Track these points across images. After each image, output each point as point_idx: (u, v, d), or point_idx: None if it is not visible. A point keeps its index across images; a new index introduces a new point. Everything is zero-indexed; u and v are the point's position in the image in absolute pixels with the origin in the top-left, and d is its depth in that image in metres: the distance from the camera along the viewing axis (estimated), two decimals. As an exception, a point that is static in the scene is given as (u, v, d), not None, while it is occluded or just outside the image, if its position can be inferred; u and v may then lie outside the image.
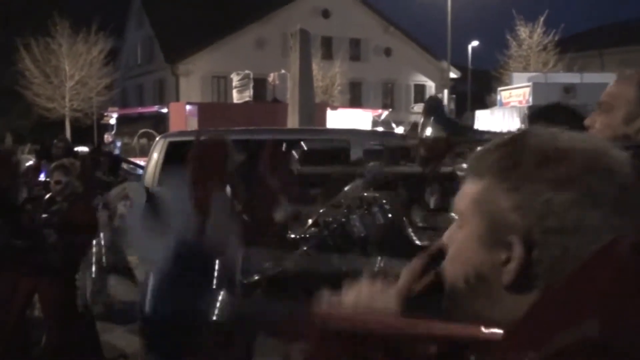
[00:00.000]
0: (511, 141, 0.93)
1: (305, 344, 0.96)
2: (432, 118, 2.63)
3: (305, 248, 4.23)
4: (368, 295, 1.03)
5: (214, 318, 0.84)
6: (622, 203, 0.86)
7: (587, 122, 1.99)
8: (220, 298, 0.84)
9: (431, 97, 7.79)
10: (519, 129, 0.94)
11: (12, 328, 5.00)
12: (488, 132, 3.09)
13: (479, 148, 1.00)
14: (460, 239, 0.96)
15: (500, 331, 0.83)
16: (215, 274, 0.87)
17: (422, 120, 2.66)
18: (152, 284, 0.85)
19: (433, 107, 2.75)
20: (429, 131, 2.58)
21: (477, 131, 3.40)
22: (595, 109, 2.01)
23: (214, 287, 0.86)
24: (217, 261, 0.88)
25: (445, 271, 0.98)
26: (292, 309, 0.92)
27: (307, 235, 4.37)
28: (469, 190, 0.95)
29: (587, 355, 0.71)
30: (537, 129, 0.95)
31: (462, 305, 0.95)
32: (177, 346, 0.86)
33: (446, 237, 1.01)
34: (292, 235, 4.36)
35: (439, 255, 1.01)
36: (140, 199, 8.06)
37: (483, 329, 0.86)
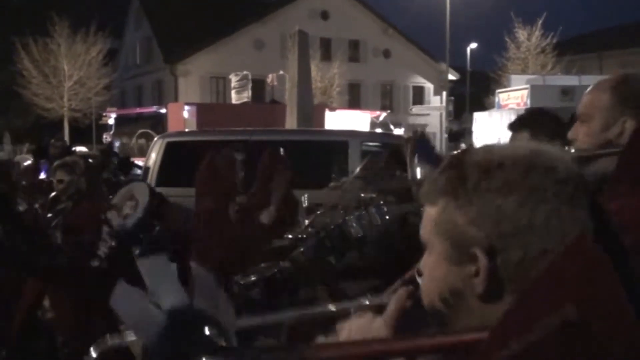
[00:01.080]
0: (453, 163, 1.00)
1: None
2: (417, 156, 2.67)
3: (302, 249, 4.24)
4: (359, 330, 1.09)
5: None
6: (568, 195, 0.92)
7: (570, 135, 2.02)
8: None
9: (415, 134, 7.79)
10: (459, 150, 1.01)
11: (19, 331, 4.99)
12: None
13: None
14: (430, 263, 1.03)
15: (485, 333, 0.86)
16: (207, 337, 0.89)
17: (408, 157, 2.70)
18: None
19: (418, 145, 2.79)
20: (418, 172, 2.62)
21: None
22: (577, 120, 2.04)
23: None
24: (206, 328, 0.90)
25: (422, 295, 1.04)
26: (283, 352, 0.94)
27: (304, 236, 4.38)
28: (428, 217, 1.02)
29: (568, 336, 0.75)
30: (472, 148, 1.04)
31: (445, 322, 1.01)
32: None
33: (421, 265, 1.07)
34: (289, 236, 4.38)
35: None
36: (144, 199, 8.05)
37: (470, 334, 0.89)
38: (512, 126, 2.83)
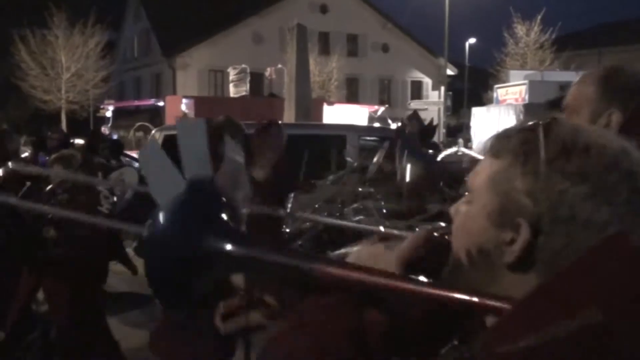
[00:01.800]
0: (536, 127, 0.93)
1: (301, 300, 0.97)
2: (406, 153, 2.65)
3: (300, 242, 4.25)
4: (368, 257, 1.04)
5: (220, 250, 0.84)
6: (637, 206, 0.88)
7: None
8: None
9: (399, 128, 7.78)
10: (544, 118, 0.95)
11: (15, 323, 4.99)
12: (459, 163, 3.13)
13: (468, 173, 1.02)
14: (468, 213, 0.98)
15: (500, 304, 0.84)
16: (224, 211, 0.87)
17: (397, 156, 2.68)
18: (162, 208, 0.85)
19: (405, 149, 2.77)
20: (407, 172, 2.60)
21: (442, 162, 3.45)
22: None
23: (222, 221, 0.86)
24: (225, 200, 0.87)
25: (452, 240, 0.99)
26: (294, 259, 0.92)
27: (302, 230, 4.38)
28: (486, 168, 0.96)
29: (587, 344, 0.73)
30: (563, 119, 0.95)
31: (461, 277, 0.96)
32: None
33: (453, 210, 1.02)
34: (287, 230, 4.38)
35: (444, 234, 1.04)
36: (133, 181, 8.07)
37: (487, 300, 0.87)
38: (552, 105, 2.79)
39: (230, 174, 0.92)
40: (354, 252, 1.08)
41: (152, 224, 0.86)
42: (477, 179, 0.97)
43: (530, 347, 0.75)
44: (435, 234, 1.06)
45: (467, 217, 0.97)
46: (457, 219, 1.00)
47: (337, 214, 4.24)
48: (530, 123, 0.95)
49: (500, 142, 0.96)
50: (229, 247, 0.84)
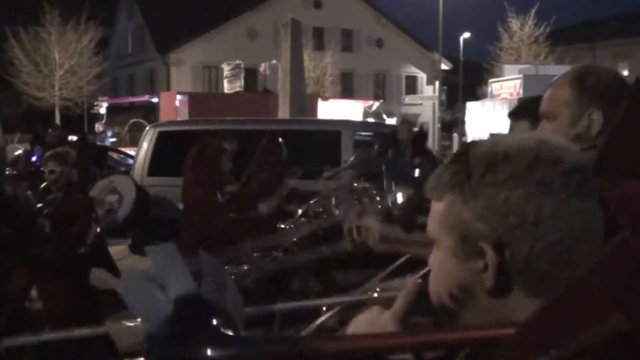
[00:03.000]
0: (458, 157, 0.99)
1: None
2: (394, 184, 2.65)
3: (294, 239, 4.24)
4: (365, 325, 1.07)
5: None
6: (575, 186, 0.91)
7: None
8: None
9: (408, 124, 7.73)
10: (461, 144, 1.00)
11: (7, 321, 4.97)
12: None
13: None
14: (438, 260, 1.02)
15: (506, 331, 0.84)
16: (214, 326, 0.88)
17: (385, 187, 2.68)
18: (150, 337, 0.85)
19: (392, 173, 2.77)
20: (399, 199, 2.60)
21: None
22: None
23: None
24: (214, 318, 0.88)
25: (430, 292, 1.03)
26: (292, 341, 0.92)
27: (297, 226, 4.37)
28: (434, 212, 1.01)
29: (618, 348, 0.72)
30: (477, 141, 1.03)
31: (453, 320, 1.00)
32: None
33: (430, 261, 1.06)
34: (282, 226, 4.37)
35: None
36: (130, 193, 8.05)
37: (490, 330, 0.88)
38: (513, 115, 2.80)
39: (214, 279, 0.92)
40: (351, 323, 1.11)
41: (149, 352, 0.86)
42: (432, 226, 1.02)
43: (557, 358, 0.74)
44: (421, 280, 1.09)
45: (439, 264, 1.01)
46: (433, 269, 1.04)
47: (332, 210, 4.23)
48: (451, 157, 1.02)
49: (436, 184, 1.01)
50: (225, 352, 0.85)
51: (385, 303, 1.10)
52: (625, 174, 1.21)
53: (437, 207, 1.00)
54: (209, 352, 0.83)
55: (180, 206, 6.22)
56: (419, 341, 0.91)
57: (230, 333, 0.86)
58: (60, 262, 4.81)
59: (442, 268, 1.00)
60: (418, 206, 2.40)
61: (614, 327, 0.71)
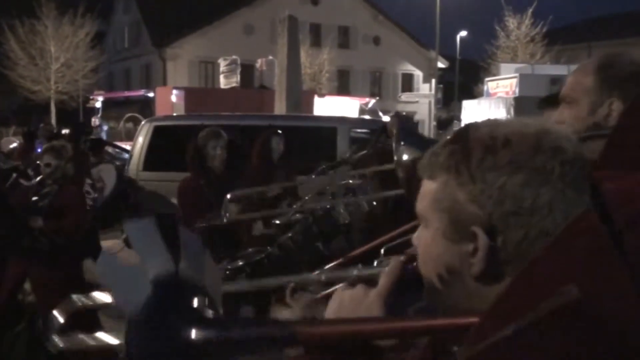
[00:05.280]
0: (456, 138, 0.96)
1: None
2: (404, 142, 2.63)
3: (290, 235, 4.23)
4: (349, 303, 1.06)
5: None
6: (572, 177, 0.90)
7: (556, 118, 1.97)
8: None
9: (398, 118, 7.73)
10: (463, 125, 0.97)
11: (1, 313, 4.96)
12: None
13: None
14: (426, 239, 0.99)
15: (477, 318, 0.83)
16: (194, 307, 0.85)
17: (394, 145, 2.65)
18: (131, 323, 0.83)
19: (403, 132, 2.75)
20: (405, 156, 2.57)
21: None
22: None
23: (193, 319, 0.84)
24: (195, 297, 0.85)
25: (420, 270, 1.01)
26: (273, 326, 0.91)
27: (292, 222, 4.37)
28: (426, 191, 0.99)
29: (567, 321, 0.72)
30: (477, 122, 0.99)
31: (440, 300, 0.98)
32: None
33: (415, 238, 1.04)
34: (277, 222, 4.37)
35: (414, 258, 1.05)
36: (111, 182, 8.09)
37: (462, 318, 0.86)
38: (544, 102, 2.73)
39: (193, 259, 0.90)
40: (334, 296, 1.10)
41: (128, 335, 0.82)
42: (423, 205, 0.99)
43: (510, 335, 0.73)
44: (404, 258, 1.09)
45: (427, 244, 0.99)
46: (420, 248, 1.02)
47: (328, 206, 4.23)
48: (450, 136, 0.98)
49: (430, 163, 0.98)
50: (207, 333, 0.82)
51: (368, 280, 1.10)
52: (629, 165, 1.20)
53: (430, 186, 0.98)
54: (192, 335, 0.80)
55: (175, 200, 6.22)
56: (400, 327, 0.89)
57: (210, 314, 0.84)
58: (53, 254, 4.82)
59: (430, 248, 0.98)
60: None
61: (566, 298, 0.71)
